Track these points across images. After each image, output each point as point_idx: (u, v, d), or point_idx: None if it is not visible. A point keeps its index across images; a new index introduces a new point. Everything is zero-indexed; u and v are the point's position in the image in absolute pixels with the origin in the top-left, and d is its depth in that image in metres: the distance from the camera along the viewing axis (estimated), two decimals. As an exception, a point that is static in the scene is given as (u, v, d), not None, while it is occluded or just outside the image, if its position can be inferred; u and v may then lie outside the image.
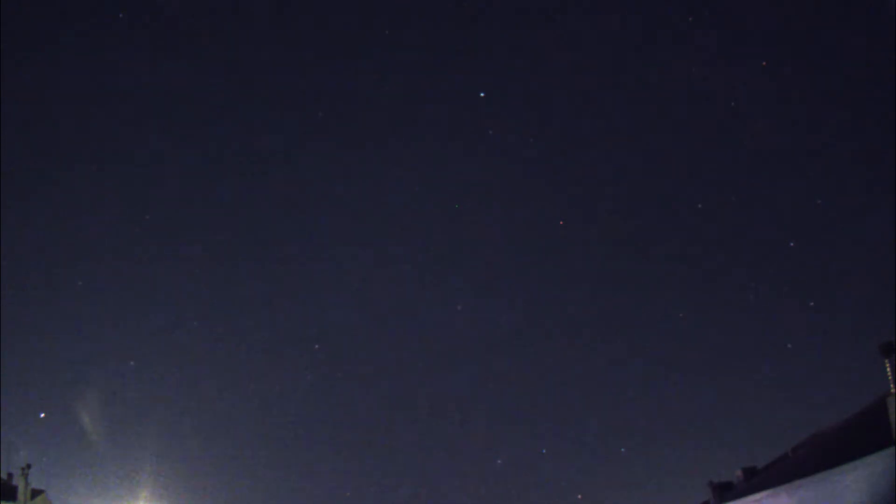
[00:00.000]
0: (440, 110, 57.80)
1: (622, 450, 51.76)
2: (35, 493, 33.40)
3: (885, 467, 18.11)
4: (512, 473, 53.71)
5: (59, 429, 46.50)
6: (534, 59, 56.73)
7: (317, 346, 56.92)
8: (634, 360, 56.54)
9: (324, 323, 58.85)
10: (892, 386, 19.00)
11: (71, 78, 55.69)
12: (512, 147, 57.94)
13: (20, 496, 32.03)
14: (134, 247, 56.22)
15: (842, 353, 52.17)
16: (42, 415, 44.71)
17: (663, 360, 55.73)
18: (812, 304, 51.74)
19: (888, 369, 19.12)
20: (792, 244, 51.17)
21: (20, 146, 53.26)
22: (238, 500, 52.50)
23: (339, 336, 58.57)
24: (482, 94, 53.47)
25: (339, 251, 59.02)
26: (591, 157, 58.99)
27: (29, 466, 32.21)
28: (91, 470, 44.06)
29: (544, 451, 53.70)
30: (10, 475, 33.08)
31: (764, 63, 51.87)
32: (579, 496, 50.11)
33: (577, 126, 58.05)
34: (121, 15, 52.69)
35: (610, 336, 57.45)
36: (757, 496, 25.31)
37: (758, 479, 27.90)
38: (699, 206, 54.12)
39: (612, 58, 56.20)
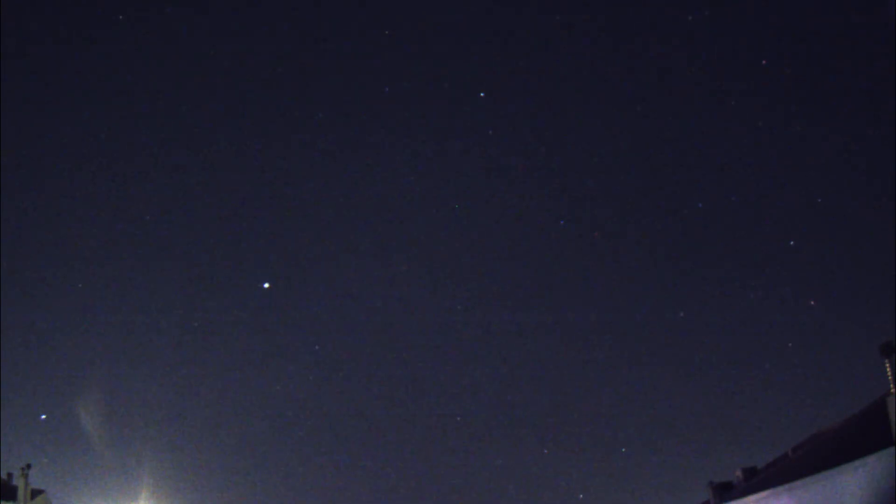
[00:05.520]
0: (440, 110, 57.86)
1: (622, 450, 51.84)
2: (35, 493, 33.41)
3: (885, 467, 18.11)
4: (512, 473, 53.79)
5: (59, 429, 46.55)
6: (534, 59, 56.81)
7: (317, 347, 57.00)
8: (634, 360, 56.61)
9: (324, 323, 58.92)
10: (892, 386, 18.99)
11: (71, 78, 55.78)
12: (512, 147, 58.02)
13: (20, 496, 32.03)
14: (134, 247, 56.27)
15: (842, 353, 52.26)
16: (43, 416, 44.76)
17: (663, 360, 55.81)
18: (812, 304, 51.83)
19: (888, 369, 19.12)
20: (792, 244, 51.25)
21: (20, 146, 53.29)
22: (238, 500, 52.52)
23: (339, 336, 58.64)
24: (482, 94, 53.54)
25: (339, 251, 59.08)
26: (592, 157, 59.04)
27: (29, 466, 32.23)
28: (91, 470, 44.11)
29: (546, 451, 53.78)
30: (10, 475, 33.09)
31: (764, 62, 51.95)
32: (580, 496, 50.18)
33: (578, 126, 58.12)
34: (120, 17, 52.75)
35: (610, 336, 57.50)
36: (757, 496, 25.29)
37: (758, 479, 27.88)
38: (699, 205, 54.21)
39: (612, 57, 56.27)
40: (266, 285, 52.28)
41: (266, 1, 55.76)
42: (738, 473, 30.81)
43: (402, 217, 59.81)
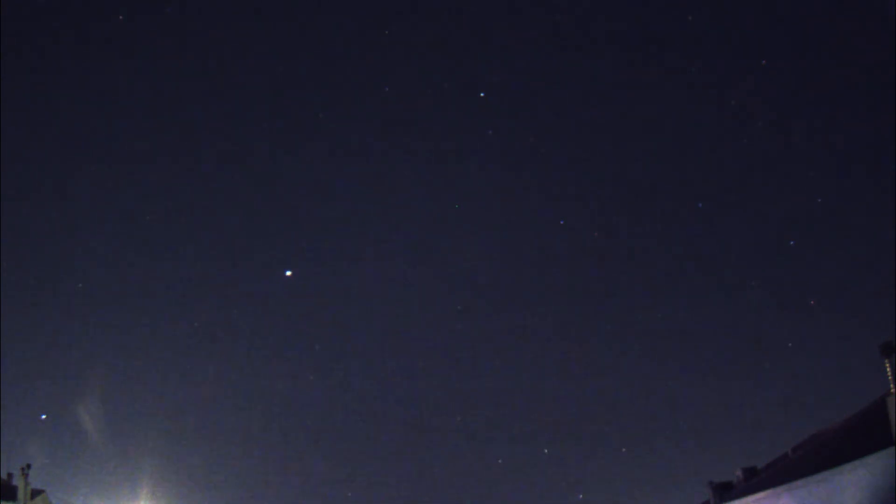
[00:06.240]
0: (440, 110, 57.86)
1: (623, 450, 51.84)
2: (35, 493, 33.39)
3: (885, 467, 18.11)
4: (513, 473, 53.78)
5: (59, 429, 46.54)
6: (534, 59, 56.81)
7: (317, 347, 57.00)
8: (635, 360, 56.61)
9: (324, 323, 58.93)
10: (892, 386, 18.99)
11: (71, 78, 55.79)
12: (512, 147, 58.03)
13: (20, 496, 32.03)
14: (134, 247, 56.31)
15: (842, 353, 52.29)
16: (43, 416, 44.77)
17: (663, 360, 55.81)
18: (812, 303, 51.85)
19: (888, 369, 19.12)
20: (792, 244, 51.27)
21: (20, 146, 53.29)
22: (238, 500, 52.53)
23: (339, 336, 58.67)
24: (482, 94, 53.54)
25: (339, 251, 59.10)
26: (592, 157, 59.07)
27: (29, 466, 32.22)
28: (91, 470, 44.11)
29: (546, 451, 53.78)
30: (10, 475, 33.08)
31: (764, 62, 51.95)
32: (580, 496, 50.18)
33: (578, 126, 58.13)
34: (121, 17, 52.77)
35: (610, 336, 57.52)
36: (757, 496, 25.29)
37: (758, 479, 27.88)
38: (699, 205, 54.22)
39: (612, 57, 56.27)
40: (288, 273, 52.47)
41: (267, 1, 55.80)
42: (738, 473, 30.81)
43: (402, 217, 59.87)
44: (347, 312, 58.89)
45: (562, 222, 56.40)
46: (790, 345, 51.15)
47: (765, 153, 54.87)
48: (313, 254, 58.47)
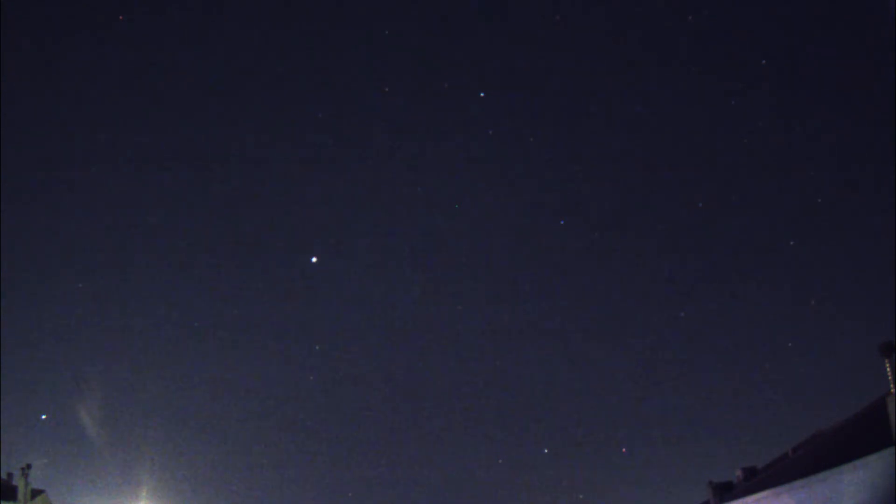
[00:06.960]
0: (440, 110, 57.85)
1: (623, 450, 51.86)
2: (35, 493, 33.40)
3: (885, 467, 18.09)
4: (513, 473, 53.79)
5: (59, 429, 46.54)
6: (534, 59, 56.79)
7: (317, 347, 57.00)
8: (634, 360, 56.65)
9: (324, 323, 58.94)
10: (892, 386, 18.97)
11: (71, 78, 55.78)
12: (512, 147, 58.03)
13: (20, 496, 32.03)
14: (133, 247, 56.33)
15: (842, 353, 52.32)
16: (43, 416, 44.77)
17: (663, 361, 55.83)
18: (812, 303, 51.88)
19: (888, 369, 19.10)
20: (792, 244, 51.26)
21: (20, 146, 53.28)
22: (238, 500, 52.53)
23: (339, 336, 58.67)
24: (482, 94, 53.53)
25: (339, 251, 59.09)
26: (592, 157, 59.06)
27: (29, 466, 32.22)
28: (91, 470, 44.12)
29: (546, 451, 53.79)
30: (10, 475, 33.09)
31: (764, 62, 51.94)
32: (580, 496, 50.18)
33: (577, 126, 58.13)
34: (121, 17, 52.77)
35: (610, 336, 57.55)
36: (757, 496, 25.29)
37: (758, 479, 27.88)
38: (699, 205, 54.22)
39: (613, 57, 56.28)
40: (313, 259, 52.55)
41: (267, 1, 55.79)
42: (738, 473, 30.83)
43: (403, 217, 59.86)
44: (347, 313, 58.94)
45: (562, 222, 56.45)
46: (790, 345, 51.23)
47: (765, 153, 54.94)
48: (313, 254, 58.49)
